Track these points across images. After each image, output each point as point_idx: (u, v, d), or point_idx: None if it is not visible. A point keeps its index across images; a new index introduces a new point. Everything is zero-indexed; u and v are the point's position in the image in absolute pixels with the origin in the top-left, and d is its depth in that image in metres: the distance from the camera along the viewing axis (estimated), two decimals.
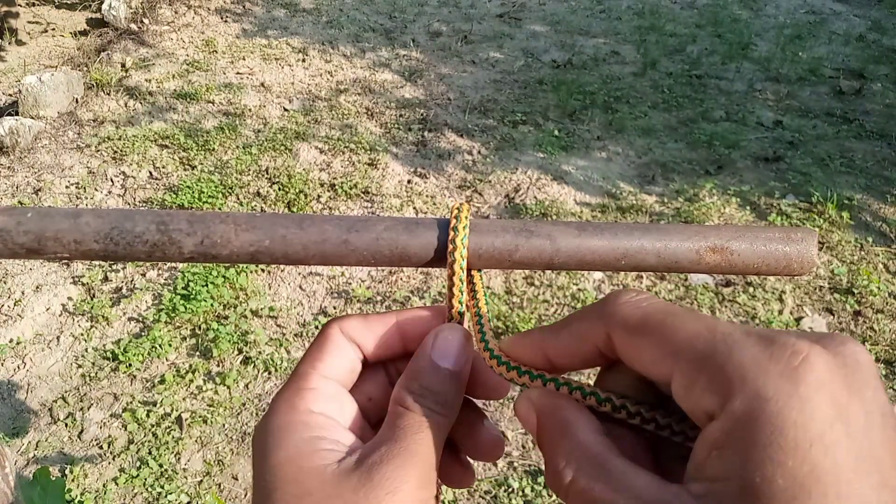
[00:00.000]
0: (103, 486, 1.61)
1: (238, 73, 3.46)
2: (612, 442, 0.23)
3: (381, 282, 2.25)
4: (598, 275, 2.33)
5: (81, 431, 1.73)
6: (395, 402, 0.27)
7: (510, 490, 1.64)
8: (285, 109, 3.20)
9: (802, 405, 0.19)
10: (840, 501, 0.18)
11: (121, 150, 2.76)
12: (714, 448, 0.20)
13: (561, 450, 0.23)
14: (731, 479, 0.19)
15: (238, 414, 1.80)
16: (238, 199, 2.57)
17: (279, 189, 2.63)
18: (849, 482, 0.18)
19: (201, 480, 1.64)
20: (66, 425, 1.75)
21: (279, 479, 0.25)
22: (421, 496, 0.24)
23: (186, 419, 1.77)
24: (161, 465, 1.65)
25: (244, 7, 4.21)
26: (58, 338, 1.99)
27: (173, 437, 1.73)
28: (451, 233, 0.30)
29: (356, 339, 0.30)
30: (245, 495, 1.62)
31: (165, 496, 1.59)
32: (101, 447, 1.70)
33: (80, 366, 1.91)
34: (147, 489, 1.60)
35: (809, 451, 0.18)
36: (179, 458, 1.68)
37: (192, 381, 1.88)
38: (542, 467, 1.66)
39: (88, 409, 1.79)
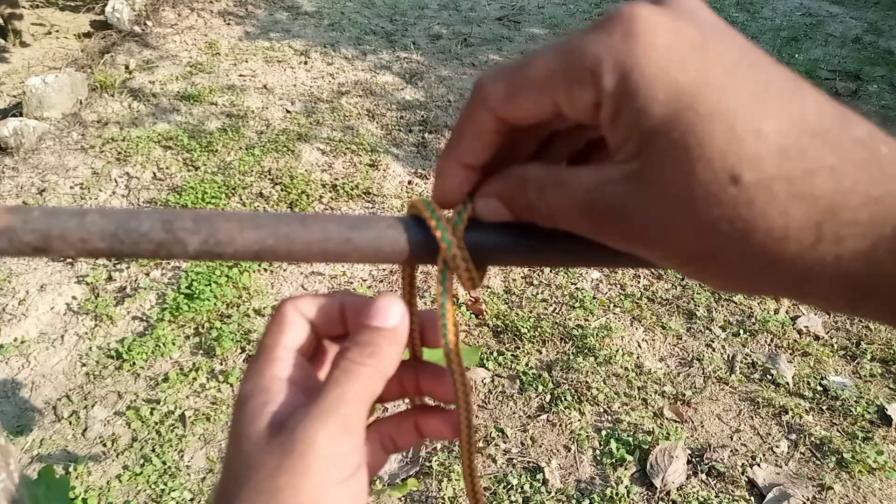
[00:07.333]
0: (107, 483, 1.63)
1: (241, 75, 3.49)
2: (551, 160, 0.29)
3: (382, 281, 2.28)
4: (595, 273, 2.35)
5: (85, 429, 1.76)
6: (332, 365, 0.30)
7: (510, 486, 1.66)
8: (287, 111, 3.23)
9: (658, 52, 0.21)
10: (719, 94, 0.21)
11: (125, 152, 2.79)
12: (610, 124, 0.23)
13: (531, 196, 0.27)
14: (632, 135, 0.22)
15: None
16: (241, 199, 2.59)
17: (281, 190, 2.65)
18: (723, 84, 0.21)
19: (204, 477, 1.66)
20: (70, 423, 1.77)
21: (231, 440, 0.28)
22: (336, 450, 0.26)
23: (190, 417, 1.79)
24: (164, 463, 1.68)
25: (247, 10, 4.24)
26: (62, 336, 2.02)
27: (177, 435, 1.75)
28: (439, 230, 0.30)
29: (308, 316, 0.32)
30: None
31: (169, 493, 1.61)
32: (104, 445, 1.72)
33: (84, 364, 1.93)
34: (150, 486, 1.63)
35: (668, 72, 0.21)
36: (183, 456, 1.71)
37: (195, 379, 1.90)
38: (541, 465, 1.67)
39: (92, 407, 1.81)
